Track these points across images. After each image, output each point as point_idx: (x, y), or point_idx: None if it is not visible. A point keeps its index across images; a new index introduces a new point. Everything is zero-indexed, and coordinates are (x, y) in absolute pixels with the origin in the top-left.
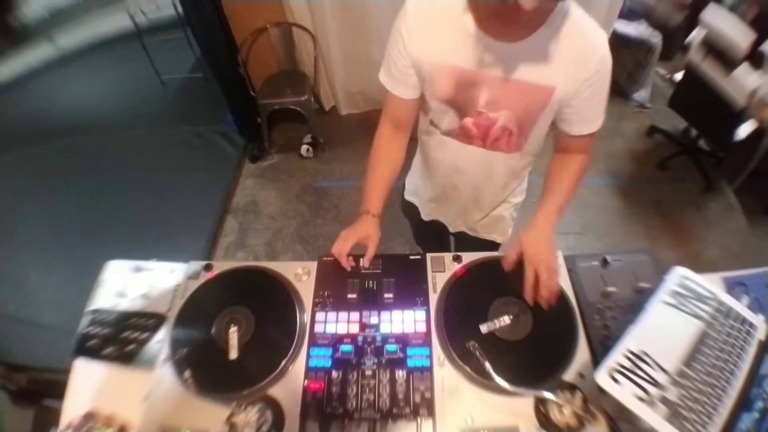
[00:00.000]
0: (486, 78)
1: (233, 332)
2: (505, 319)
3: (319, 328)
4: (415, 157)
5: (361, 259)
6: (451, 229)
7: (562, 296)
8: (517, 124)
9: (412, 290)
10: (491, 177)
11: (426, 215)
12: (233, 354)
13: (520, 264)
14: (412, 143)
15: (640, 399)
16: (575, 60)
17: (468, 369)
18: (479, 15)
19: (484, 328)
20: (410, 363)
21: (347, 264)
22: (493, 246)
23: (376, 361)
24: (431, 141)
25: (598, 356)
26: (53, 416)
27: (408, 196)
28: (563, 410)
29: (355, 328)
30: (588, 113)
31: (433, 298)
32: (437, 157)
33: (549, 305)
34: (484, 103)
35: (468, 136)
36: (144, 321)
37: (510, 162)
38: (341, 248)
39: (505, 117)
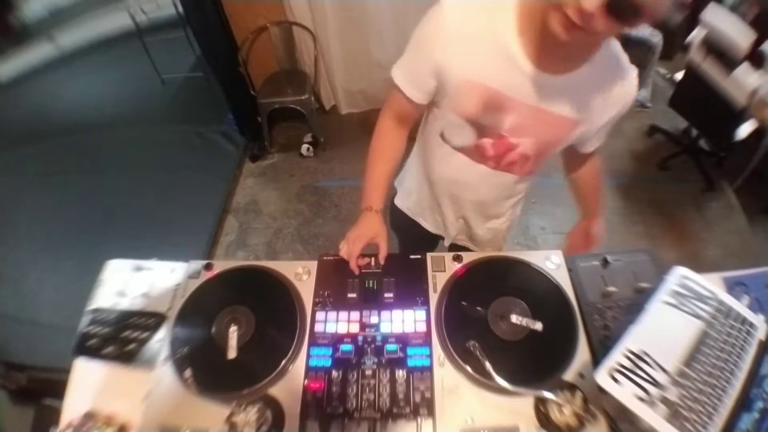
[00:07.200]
0: (517, 104)
1: (233, 331)
2: (518, 317)
3: (319, 327)
4: (412, 166)
5: (372, 258)
6: (447, 242)
7: (562, 296)
8: (536, 151)
9: (412, 290)
10: (497, 194)
11: (432, 228)
12: (231, 354)
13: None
14: (409, 143)
15: (641, 399)
16: (608, 99)
17: (468, 369)
18: (528, 41)
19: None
20: (410, 363)
21: (357, 267)
22: None
23: (376, 360)
24: (437, 152)
25: (598, 356)
26: (53, 415)
27: (407, 211)
28: (563, 410)
29: (355, 328)
30: (600, 135)
31: (434, 298)
32: (441, 170)
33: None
34: (509, 127)
35: (482, 156)
36: (144, 320)
37: (517, 182)
38: (351, 251)
39: (526, 144)
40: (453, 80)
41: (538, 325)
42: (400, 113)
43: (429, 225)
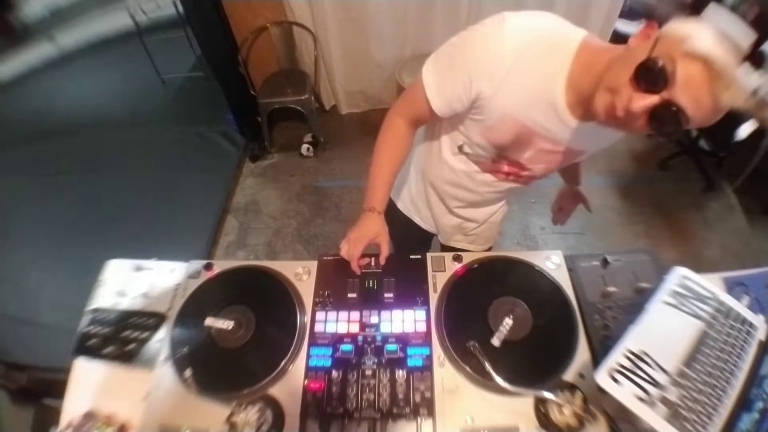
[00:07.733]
0: (543, 140)
1: (227, 324)
2: (508, 321)
3: (319, 327)
4: (413, 169)
5: (372, 259)
6: (441, 238)
7: (562, 296)
8: (545, 173)
9: (412, 290)
10: (494, 198)
11: (428, 227)
12: (209, 321)
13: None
14: None
15: (640, 399)
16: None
17: (468, 369)
18: (573, 95)
19: (495, 342)
20: (410, 363)
21: (358, 268)
22: None
23: (376, 360)
24: (450, 159)
25: (598, 356)
26: (53, 415)
27: (402, 209)
28: (563, 410)
29: (355, 328)
30: None
31: (434, 298)
32: (443, 173)
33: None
34: (528, 157)
35: (494, 171)
36: (144, 320)
37: (518, 188)
38: (353, 252)
39: (538, 169)
40: (494, 113)
41: (496, 341)
42: (416, 116)
43: (422, 222)
